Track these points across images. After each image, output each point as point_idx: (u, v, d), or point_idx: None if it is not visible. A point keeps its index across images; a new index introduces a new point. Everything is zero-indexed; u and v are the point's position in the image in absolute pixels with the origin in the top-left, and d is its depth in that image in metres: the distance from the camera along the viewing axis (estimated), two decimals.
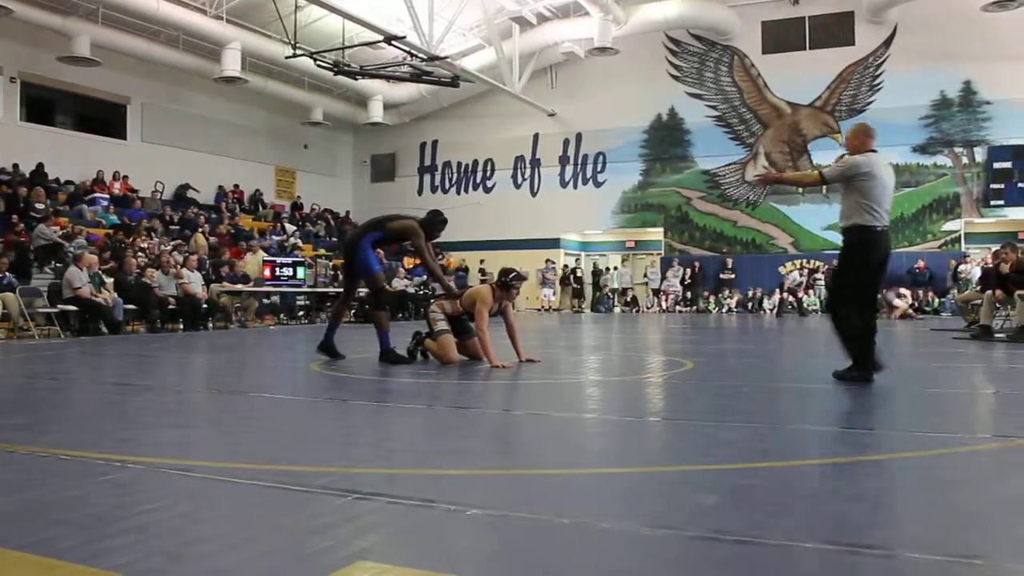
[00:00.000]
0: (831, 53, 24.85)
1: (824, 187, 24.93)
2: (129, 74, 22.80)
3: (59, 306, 12.77)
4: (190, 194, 24.07)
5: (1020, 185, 22.96)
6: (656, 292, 26.66)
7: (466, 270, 26.96)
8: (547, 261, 27.73)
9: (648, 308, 26.48)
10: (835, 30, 24.99)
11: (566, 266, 28.36)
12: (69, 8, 19.81)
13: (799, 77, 25.13)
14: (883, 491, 2.97)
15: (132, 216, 19.99)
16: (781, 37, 25.58)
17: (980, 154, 23.60)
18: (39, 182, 19.00)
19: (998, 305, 11.60)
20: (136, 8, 19.77)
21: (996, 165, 23.26)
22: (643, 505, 2.72)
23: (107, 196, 20.84)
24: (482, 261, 27.06)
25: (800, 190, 25.42)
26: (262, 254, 18.97)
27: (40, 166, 19.87)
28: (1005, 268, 11.21)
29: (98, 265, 13.71)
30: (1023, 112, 22.65)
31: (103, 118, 23.36)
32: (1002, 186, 23.21)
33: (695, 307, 25.72)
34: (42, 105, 21.88)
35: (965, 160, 23.79)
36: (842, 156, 6.18)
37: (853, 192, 5.85)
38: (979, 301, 12.08)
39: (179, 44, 22.21)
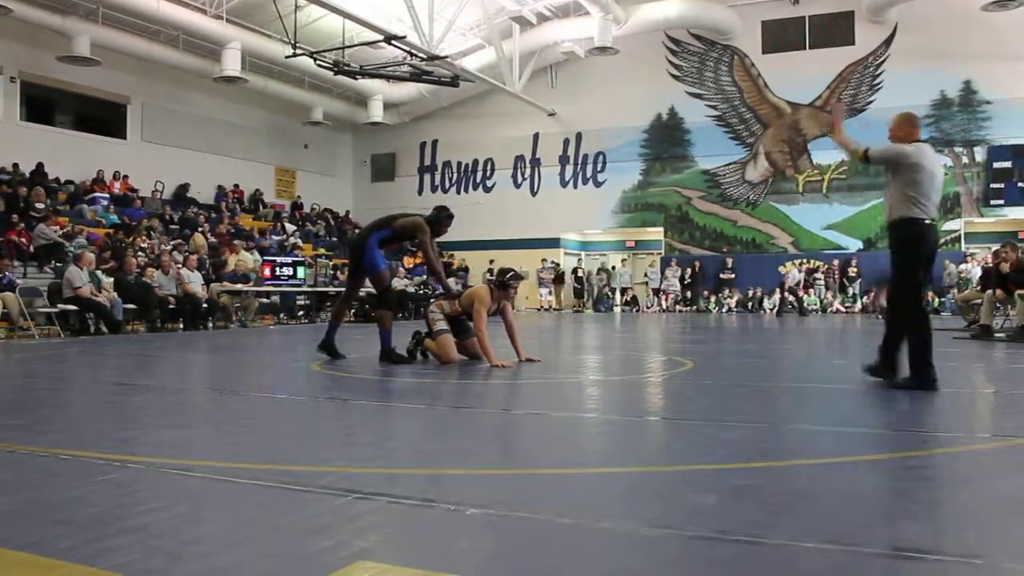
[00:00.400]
0: (831, 53, 24.84)
1: (824, 188, 25.00)
2: (129, 74, 22.80)
3: (59, 306, 12.77)
4: (189, 194, 24.05)
5: (1020, 184, 22.96)
6: (656, 292, 26.65)
7: (466, 269, 26.95)
8: (543, 260, 27.69)
9: (648, 308, 26.48)
10: (835, 30, 24.99)
11: (557, 264, 28.16)
12: (69, 8, 19.82)
13: (799, 77, 25.13)
14: (883, 491, 2.97)
15: (132, 216, 19.99)
16: (781, 37, 25.57)
17: (980, 154, 23.60)
18: (39, 182, 19.00)
19: (998, 305, 11.59)
20: (136, 8, 19.76)
21: (996, 165, 23.26)
22: (643, 505, 2.72)
23: (107, 196, 20.84)
24: (491, 261, 27.02)
25: (800, 189, 25.42)
26: (247, 255, 18.73)
27: (40, 166, 19.87)
28: (1005, 267, 11.21)
29: (94, 264, 13.69)
30: (1023, 112, 22.64)
31: (103, 118, 23.36)
32: (1002, 186, 23.20)
33: (695, 307, 25.71)
34: (42, 105, 21.88)
35: (965, 160, 23.78)
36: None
37: (899, 184, 5.55)
38: (979, 301, 12.07)
39: (179, 44, 22.21)
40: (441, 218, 8.31)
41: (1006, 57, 22.56)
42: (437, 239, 8.34)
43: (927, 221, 5.50)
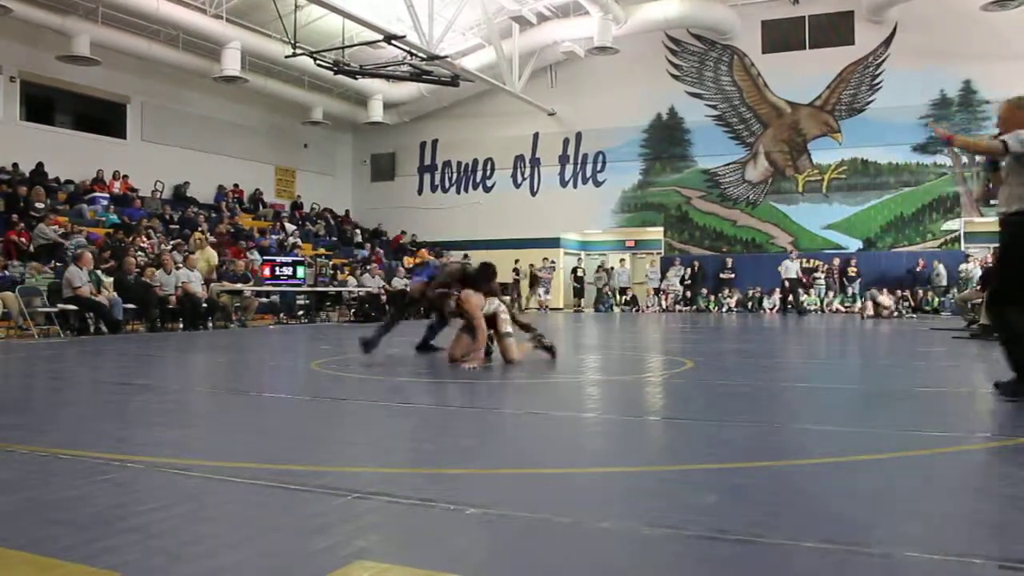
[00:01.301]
0: (831, 52, 24.84)
1: (824, 188, 24.99)
2: (129, 73, 22.79)
3: (59, 305, 12.76)
4: (189, 194, 24.04)
5: None
6: (656, 291, 26.65)
7: None
8: (544, 259, 27.64)
9: (648, 308, 26.48)
10: (835, 29, 24.98)
11: (546, 259, 27.92)
12: (69, 7, 19.81)
13: (799, 76, 25.13)
14: (882, 490, 2.97)
15: (132, 215, 19.98)
16: (781, 36, 25.57)
17: None
18: (39, 181, 18.99)
19: None
20: (136, 7, 19.76)
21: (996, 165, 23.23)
22: (642, 504, 2.72)
23: (107, 195, 20.84)
24: (516, 261, 27.04)
25: (800, 189, 25.42)
26: (211, 252, 18.20)
27: (40, 165, 19.88)
28: None
29: (92, 263, 13.66)
30: None
31: (103, 117, 23.35)
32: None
33: (695, 306, 25.71)
34: (42, 104, 21.87)
35: (965, 160, 23.77)
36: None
37: (1020, 175, 5.19)
38: (979, 300, 12.08)
39: (179, 43, 22.20)
40: (480, 275, 7.98)
41: (1006, 57, 22.55)
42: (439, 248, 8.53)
43: None
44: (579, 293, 28.46)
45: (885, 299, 20.49)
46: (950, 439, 3.91)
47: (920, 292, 22.99)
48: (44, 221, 16.42)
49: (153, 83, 23.63)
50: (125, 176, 22.24)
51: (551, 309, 27.35)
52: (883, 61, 24.36)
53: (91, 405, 5.48)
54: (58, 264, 14.73)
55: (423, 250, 28.22)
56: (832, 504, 2.76)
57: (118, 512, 2.58)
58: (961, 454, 3.50)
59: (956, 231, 23.89)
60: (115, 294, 13.44)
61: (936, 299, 22.76)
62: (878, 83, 24.47)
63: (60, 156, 20.87)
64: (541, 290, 27.38)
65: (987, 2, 20.65)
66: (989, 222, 23.41)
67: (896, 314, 20.63)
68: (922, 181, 24.00)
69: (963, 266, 22.28)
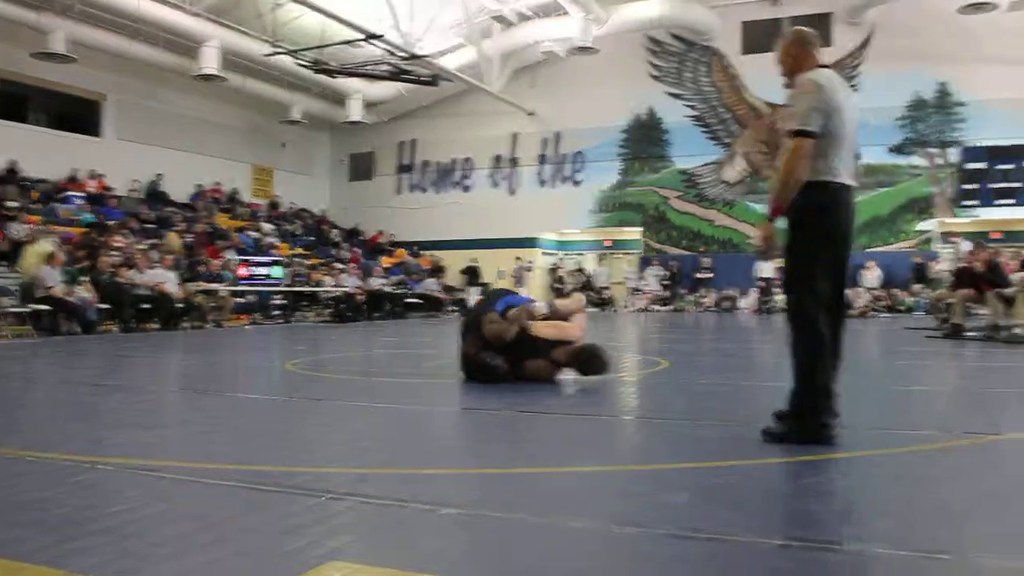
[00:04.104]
0: None
1: None
2: (105, 71, 22.54)
3: (31, 305, 12.62)
4: (164, 190, 23.81)
5: (992, 186, 23.21)
6: (634, 291, 26.72)
7: (442, 269, 26.87)
8: (517, 259, 27.54)
9: (626, 307, 26.55)
10: (815, 31, 25.11)
11: (519, 258, 27.77)
12: (44, 3, 19.56)
13: (778, 77, 24.96)
14: (853, 488, 3.00)
15: (108, 215, 19.80)
16: (760, 37, 25.63)
17: (954, 155, 23.82)
18: (12, 180, 18.77)
19: (970, 304, 11.72)
20: (113, 4, 19.54)
21: (969, 166, 23.49)
22: (615, 504, 2.73)
23: (82, 194, 20.61)
24: (517, 258, 26.94)
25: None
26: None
27: (13, 163, 19.64)
28: (979, 267, 11.33)
29: (60, 261, 13.44)
30: (996, 113, 22.87)
31: (78, 115, 23.09)
32: (975, 186, 23.44)
33: (672, 306, 25.81)
34: (15, 102, 21.57)
35: (939, 160, 24.00)
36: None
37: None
38: (952, 300, 12.20)
39: (156, 41, 21.98)
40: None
41: (980, 60, 22.79)
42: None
43: (839, 184, 3.90)
44: (560, 293, 28.43)
45: (859, 299, 20.65)
46: (921, 436, 3.95)
47: (895, 292, 23.22)
48: (17, 220, 16.23)
49: (130, 81, 23.39)
50: (100, 175, 22.02)
51: None
52: (860, 63, 24.54)
53: (62, 406, 5.43)
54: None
55: (401, 250, 28.16)
56: (803, 502, 2.78)
57: (88, 514, 2.56)
58: (930, 452, 3.54)
59: (930, 231, 24.12)
60: (88, 295, 13.28)
61: (910, 299, 22.98)
62: (855, 84, 24.58)
63: (34, 154, 20.60)
64: (523, 291, 27.31)
65: (963, 5, 20.86)
66: (963, 223, 23.72)
67: (871, 314, 20.82)
68: (897, 182, 24.19)
69: (938, 267, 22.48)
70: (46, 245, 14.50)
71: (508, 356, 6.02)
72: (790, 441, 3.64)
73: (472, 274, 26.25)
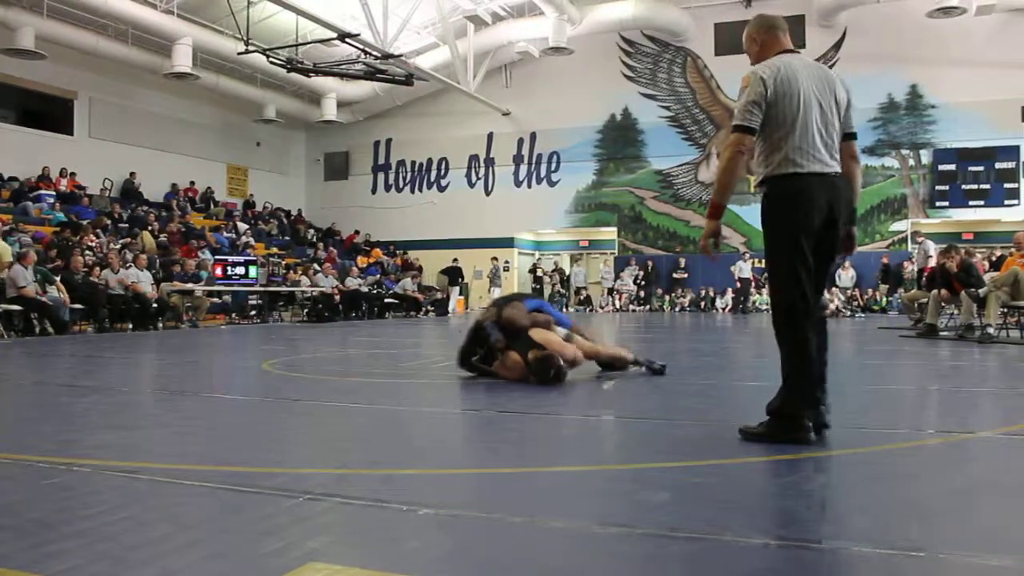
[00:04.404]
0: None
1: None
2: (76, 68, 22.31)
3: (2, 306, 12.46)
4: (138, 190, 23.60)
5: (963, 187, 23.51)
6: (610, 291, 26.81)
7: (420, 269, 26.81)
8: (493, 259, 27.53)
9: (602, 307, 26.62)
10: (788, 33, 25.31)
11: (494, 259, 27.75)
12: None
13: None
14: (830, 487, 3.02)
15: (80, 214, 19.59)
16: (733, 39, 25.79)
17: (926, 156, 24.12)
18: None
19: (943, 304, 11.85)
20: (82, 0, 19.36)
21: (941, 167, 23.79)
22: (595, 503, 2.73)
23: (53, 193, 20.39)
24: (506, 261, 26.89)
25: (752, 190, 25.74)
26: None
27: None
28: (952, 267, 11.46)
29: (32, 261, 13.26)
30: (966, 116, 23.18)
31: (49, 113, 22.83)
32: (947, 188, 23.74)
33: (649, 306, 25.92)
34: None
35: (912, 162, 24.29)
36: None
37: (764, 130, 3.94)
38: (925, 300, 12.34)
39: (128, 39, 21.79)
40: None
41: (950, 63, 23.10)
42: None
43: (803, 174, 3.71)
44: (539, 293, 28.46)
45: (834, 299, 20.84)
46: (895, 435, 3.99)
47: (870, 291, 23.48)
48: None
49: (101, 78, 23.16)
50: (72, 173, 21.79)
51: None
52: (833, 65, 24.73)
53: (36, 407, 5.36)
54: None
55: (377, 249, 28.07)
56: (781, 500, 2.80)
57: (62, 517, 2.52)
58: (905, 451, 3.57)
59: (903, 232, 24.38)
60: (61, 295, 13.12)
61: (884, 299, 23.23)
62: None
63: (4, 152, 20.38)
64: (497, 291, 27.31)
65: (932, 9, 21.14)
66: (935, 223, 24.00)
67: (846, 313, 21.03)
68: (871, 183, 24.42)
69: (909, 266, 22.72)
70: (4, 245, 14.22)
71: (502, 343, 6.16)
72: (767, 440, 3.60)
73: (453, 274, 26.20)
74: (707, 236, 3.87)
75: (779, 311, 3.74)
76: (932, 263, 18.75)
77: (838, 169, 3.80)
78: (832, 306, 20.58)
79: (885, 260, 23.55)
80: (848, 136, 3.94)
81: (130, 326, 14.44)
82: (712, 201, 3.87)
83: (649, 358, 6.74)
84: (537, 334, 6.08)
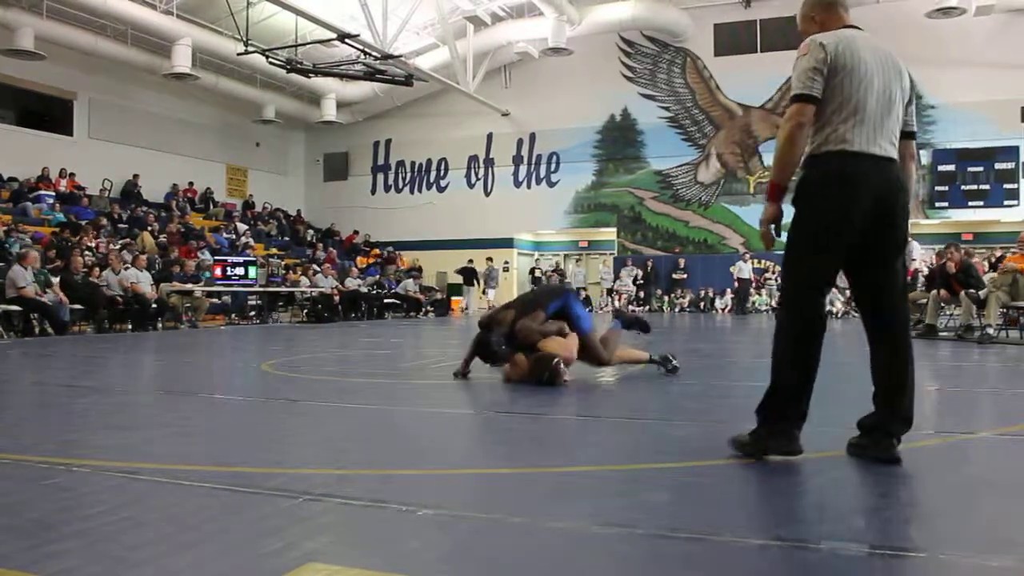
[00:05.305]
0: (782, 56, 25.09)
1: None
2: (76, 69, 22.31)
3: (2, 306, 12.45)
4: (138, 191, 23.60)
5: (963, 188, 23.51)
6: (609, 292, 26.81)
7: (420, 269, 26.81)
8: (488, 260, 27.47)
9: (602, 308, 26.62)
10: (786, 33, 25.27)
11: (489, 259, 27.67)
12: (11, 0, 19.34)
13: (751, 79, 25.41)
14: (829, 487, 3.02)
15: (80, 214, 19.59)
16: (733, 40, 25.86)
17: (925, 157, 24.11)
18: None
19: (943, 304, 11.86)
20: (82, 1, 19.36)
21: (940, 168, 23.79)
22: (594, 504, 2.73)
23: (52, 193, 20.39)
24: (470, 260, 26.85)
25: (751, 190, 25.75)
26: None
27: None
28: (951, 267, 11.47)
29: (37, 262, 13.30)
30: (965, 116, 23.18)
31: (49, 113, 22.85)
32: (946, 188, 23.75)
33: (648, 307, 25.92)
34: None
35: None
36: None
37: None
38: (925, 301, 12.34)
39: (127, 39, 21.79)
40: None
41: (949, 63, 23.08)
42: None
43: (852, 152, 3.26)
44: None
45: (835, 299, 20.85)
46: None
47: None
48: None
49: (101, 79, 23.17)
50: (72, 174, 21.79)
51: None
52: None
53: (35, 408, 5.36)
54: (0, 264, 14.38)
55: (376, 250, 28.07)
56: (780, 501, 2.80)
57: (62, 517, 2.52)
58: (904, 451, 3.57)
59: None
60: (60, 295, 13.10)
61: None
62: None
63: (3, 153, 20.38)
64: (492, 292, 27.25)
65: (931, 10, 21.14)
66: (934, 224, 24.00)
67: (845, 314, 21.03)
68: None
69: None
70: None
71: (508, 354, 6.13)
72: (750, 453, 3.33)
73: (468, 274, 26.30)
74: (768, 221, 3.34)
75: (785, 335, 3.34)
76: (915, 266, 18.83)
77: (896, 157, 3.36)
78: (835, 308, 20.60)
79: None
80: (908, 135, 3.51)
81: (129, 327, 14.44)
82: (771, 182, 3.33)
83: (665, 355, 6.71)
84: (546, 345, 6.04)
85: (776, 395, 3.32)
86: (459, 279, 26.14)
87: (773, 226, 3.35)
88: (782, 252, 3.37)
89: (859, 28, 3.48)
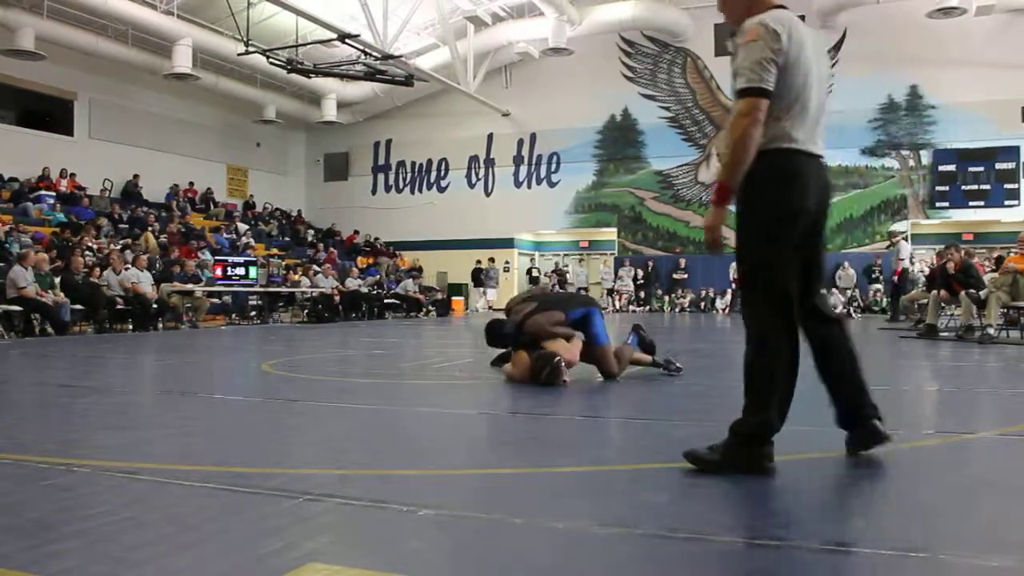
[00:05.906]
0: None
1: None
2: (76, 69, 22.32)
3: (2, 306, 12.45)
4: (139, 191, 23.60)
5: (963, 188, 23.51)
6: (610, 292, 26.80)
7: (420, 270, 26.82)
8: (490, 260, 27.52)
9: (603, 308, 26.59)
10: None
11: (491, 259, 27.77)
12: (11, 0, 19.34)
13: None
14: (829, 487, 3.02)
15: (80, 214, 19.59)
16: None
17: (926, 157, 24.11)
18: None
19: (943, 305, 11.85)
20: (82, 2, 19.36)
21: (941, 168, 23.79)
22: (595, 504, 2.73)
23: (53, 194, 20.39)
24: (478, 261, 26.95)
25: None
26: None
27: None
28: (951, 267, 11.46)
29: (45, 264, 13.35)
30: (966, 116, 23.17)
31: (49, 113, 22.86)
32: (946, 188, 23.75)
33: (648, 307, 25.91)
34: None
35: (911, 163, 24.28)
36: None
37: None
38: (925, 301, 12.34)
39: (128, 39, 21.79)
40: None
41: (950, 63, 23.09)
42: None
43: (801, 152, 3.09)
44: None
45: (835, 299, 20.86)
46: (896, 436, 3.98)
47: (871, 292, 23.49)
48: None
49: (101, 79, 23.17)
50: (72, 174, 21.79)
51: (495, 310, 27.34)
52: (833, 65, 24.72)
53: (35, 408, 5.36)
54: (1, 264, 14.38)
55: (383, 252, 28.12)
56: (780, 501, 2.79)
57: (62, 517, 2.52)
58: (904, 451, 3.57)
59: (903, 232, 24.37)
60: (62, 295, 13.11)
61: (885, 299, 23.21)
62: (828, 87, 24.81)
63: (4, 153, 20.39)
64: (492, 292, 27.28)
65: (932, 10, 21.14)
66: (935, 224, 24.01)
67: (856, 316, 21.04)
68: (870, 183, 24.45)
69: (910, 267, 22.72)
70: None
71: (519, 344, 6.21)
72: (715, 471, 3.02)
73: (478, 275, 26.40)
74: (713, 227, 3.09)
75: (747, 314, 3.20)
76: (904, 265, 18.85)
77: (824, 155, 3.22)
78: (837, 306, 20.61)
79: (878, 261, 23.50)
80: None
81: (130, 327, 14.44)
82: (721, 183, 3.03)
83: (668, 358, 6.73)
84: (550, 344, 6.04)
85: (748, 402, 3.18)
86: (458, 279, 26.23)
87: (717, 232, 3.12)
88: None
89: (786, 7, 3.15)
